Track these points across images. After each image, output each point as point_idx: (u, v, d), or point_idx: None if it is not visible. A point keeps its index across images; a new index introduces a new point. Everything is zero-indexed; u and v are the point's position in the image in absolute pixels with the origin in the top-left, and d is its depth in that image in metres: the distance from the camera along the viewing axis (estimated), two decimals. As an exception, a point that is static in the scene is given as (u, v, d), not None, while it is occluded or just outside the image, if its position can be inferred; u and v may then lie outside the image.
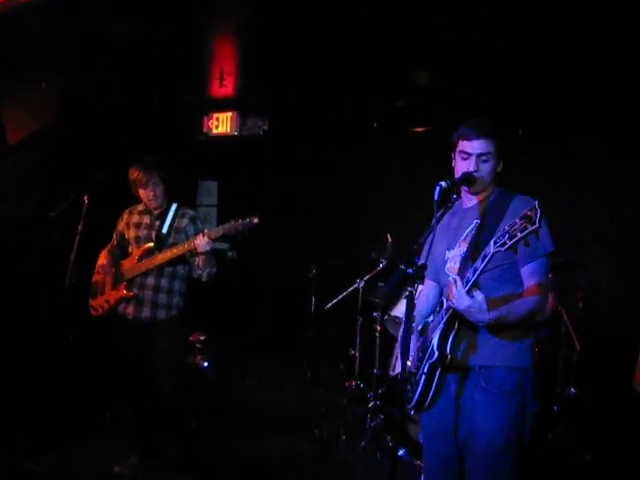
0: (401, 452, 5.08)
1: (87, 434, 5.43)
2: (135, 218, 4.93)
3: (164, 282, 4.75)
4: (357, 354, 6.19)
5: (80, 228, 4.79)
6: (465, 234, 3.26)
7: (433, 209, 3.12)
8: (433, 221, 3.08)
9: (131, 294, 4.73)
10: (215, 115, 7.69)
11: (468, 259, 3.15)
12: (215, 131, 7.71)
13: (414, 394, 3.26)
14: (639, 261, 5.80)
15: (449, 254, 3.34)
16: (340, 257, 6.76)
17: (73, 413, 5.34)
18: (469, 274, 2.96)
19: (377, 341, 5.92)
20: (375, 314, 5.96)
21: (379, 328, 5.91)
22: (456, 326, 3.13)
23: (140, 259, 4.74)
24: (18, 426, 5.39)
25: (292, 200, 7.92)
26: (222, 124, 7.67)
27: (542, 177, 6.40)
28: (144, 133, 6.78)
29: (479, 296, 2.87)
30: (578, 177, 6.25)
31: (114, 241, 5.04)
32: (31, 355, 5.83)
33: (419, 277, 3.04)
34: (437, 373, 3.19)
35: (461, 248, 3.25)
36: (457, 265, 3.24)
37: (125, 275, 4.81)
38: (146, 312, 4.73)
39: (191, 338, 6.01)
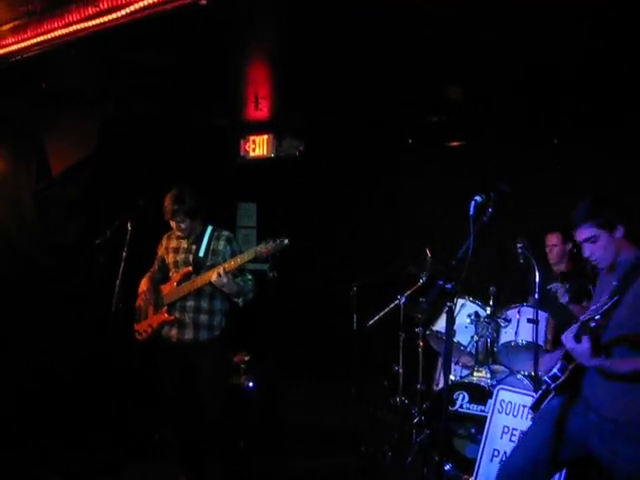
0: (447, 467, 5.07)
1: (136, 456, 5.52)
2: (173, 243, 5.01)
3: (204, 303, 4.82)
4: (400, 370, 6.19)
5: (124, 254, 4.92)
6: (606, 294, 3.37)
7: (469, 224, 3.16)
8: (470, 237, 3.14)
9: (172, 318, 4.80)
10: (252, 138, 7.80)
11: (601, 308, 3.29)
12: (252, 154, 7.81)
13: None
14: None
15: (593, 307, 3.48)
16: (380, 274, 6.78)
17: (123, 435, 5.45)
18: (592, 322, 3.16)
19: (420, 356, 5.94)
20: (417, 329, 5.98)
21: (421, 344, 5.93)
22: None
23: (179, 283, 4.82)
24: (71, 448, 5.51)
25: (331, 219, 7.98)
26: (259, 147, 7.78)
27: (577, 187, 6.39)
28: (183, 158, 6.92)
29: (585, 343, 3.13)
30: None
31: (155, 266, 5.13)
32: (80, 379, 5.96)
33: (458, 292, 3.10)
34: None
35: (603, 299, 3.36)
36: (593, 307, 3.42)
37: (165, 299, 4.88)
38: (189, 334, 4.80)
39: (235, 359, 6.07)
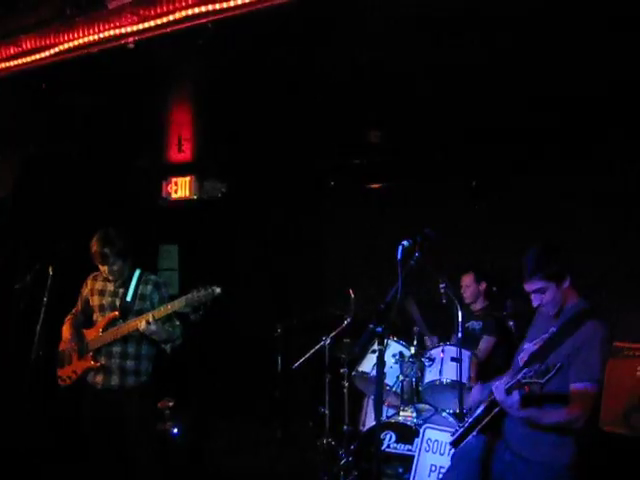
0: (377, 508, 5.06)
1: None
2: (99, 285, 4.89)
3: (131, 348, 4.72)
4: (327, 411, 6.18)
5: (45, 299, 4.79)
6: (543, 336, 3.52)
7: (397, 268, 3.24)
8: (398, 280, 3.21)
9: (98, 364, 4.69)
10: (174, 180, 7.75)
11: (533, 359, 3.45)
12: (174, 195, 7.76)
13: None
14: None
15: (527, 345, 3.62)
16: (305, 315, 6.80)
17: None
18: (520, 375, 3.27)
19: (345, 397, 5.95)
20: (342, 370, 6.00)
21: (347, 384, 5.94)
22: None
23: (105, 329, 4.71)
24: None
25: (254, 261, 7.98)
26: (181, 188, 7.73)
27: (496, 226, 6.61)
28: (105, 200, 6.81)
29: (515, 396, 3.25)
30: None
31: (78, 307, 5.01)
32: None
33: (387, 335, 3.17)
34: None
35: (535, 346, 3.52)
36: (525, 359, 3.55)
37: (90, 345, 4.76)
38: (115, 380, 4.69)
39: (159, 405, 5.96)
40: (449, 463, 4.63)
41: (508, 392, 3.28)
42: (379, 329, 3.08)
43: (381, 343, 3.11)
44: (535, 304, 3.54)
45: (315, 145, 6.86)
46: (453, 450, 3.77)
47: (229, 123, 6.17)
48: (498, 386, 3.36)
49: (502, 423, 3.50)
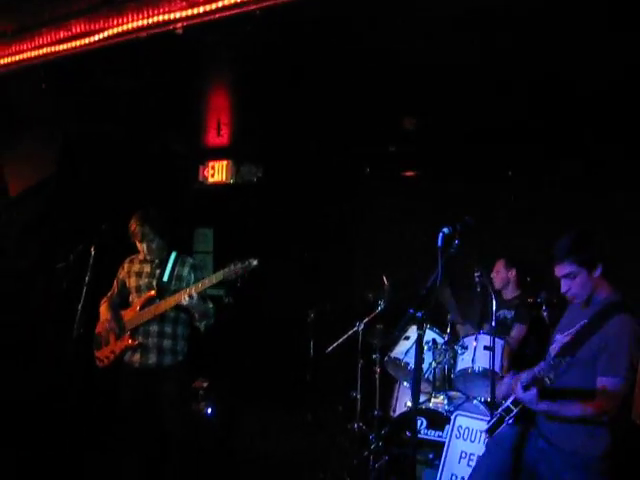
0: (407, 492, 5.13)
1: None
2: (136, 267, 5.00)
3: (168, 328, 4.81)
4: (358, 396, 6.24)
5: (87, 279, 4.89)
6: (574, 328, 3.50)
7: (436, 255, 3.28)
8: (438, 267, 3.24)
9: (136, 343, 4.79)
10: (211, 164, 7.82)
11: (564, 351, 3.45)
12: (211, 179, 7.84)
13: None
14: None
15: (558, 336, 3.62)
16: (337, 300, 6.85)
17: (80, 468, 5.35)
18: (537, 369, 3.40)
19: (377, 382, 6.01)
20: (374, 356, 6.06)
21: (379, 370, 6.00)
22: None
23: (142, 308, 4.81)
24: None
25: (287, 245, 8.03)
26: (218, 172, 7.80)
27: (532, 217, 6.59)
28: (143, 183, 6.90)
29: (532, 392, 3.30)
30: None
31: (114, 289, 5.10)
32: (36, 408, 5.83)
33: (427, 320, 3.22)
34: None
35: (566, 338, 3.51)
36: (557, 350, 3.55)
37: (128, 325, 4.86)
38: (152, 359, 4.78)
39: (194, 384, 6.05)
40: (481, 450, 4.72)
41: (526, 388, 3.33)
42: (419, 314, 3.12)
43: (421, 328, 3.15)
44: (563, 289, 3.52)
45: (351, 131, 6.87)
46: (487, 438, 3.79)
47: (266, 108, 6.20)
48: (518, 383, 3.42)
49: (535, 413, 3.52)
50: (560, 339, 3.58)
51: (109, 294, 5.11)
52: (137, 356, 4.81)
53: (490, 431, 3.68)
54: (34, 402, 5.85)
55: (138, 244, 4.84)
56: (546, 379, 3.28)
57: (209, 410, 5.96)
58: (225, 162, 7.76)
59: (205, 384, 6.11)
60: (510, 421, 3.55)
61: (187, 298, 4.50)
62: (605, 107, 5.35)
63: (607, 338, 3.31)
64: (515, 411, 3.51)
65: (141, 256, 4.98)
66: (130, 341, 4.80)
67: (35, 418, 5.71)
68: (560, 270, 3.49)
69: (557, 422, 3.40)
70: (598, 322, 3.38)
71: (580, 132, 5.95)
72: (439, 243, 3.32)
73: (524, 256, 6.26)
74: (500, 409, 3.65)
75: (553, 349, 3.62)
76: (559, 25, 3.94)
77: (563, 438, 3.39)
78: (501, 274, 6.05)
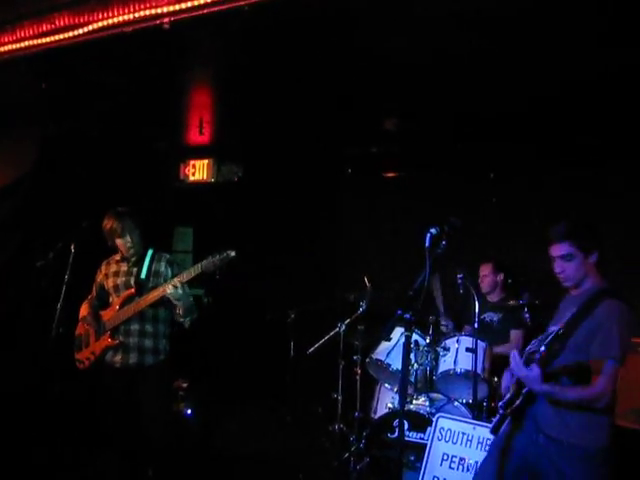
0: (385, 494, 5.12)
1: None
2: (113, 267, 4.94)
3: (148, 326, 4.76)
4: (339, 397, 6.22)
5: (67, 277, 4.81)
6: (566, 317, 3.50)
7: (425, 255, 3.26)
8: (426, 268, 3.23)
9: (116, 342, 4.72)
10: (192, 162, 7.76)
11: (556, 339, 3.43)
12: (192, 178, 7.78)
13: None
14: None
15: (551, 329, 3.60)
16: (318, 301, 6.82)
17: (59, 468, 5.27)
18: (527, 348, 3.42)
19: (358, 384, 5.98)
20: (355, 357, 6.04)
21: (359, 371, 5.98)
22: None
23: (121, 306, 4.75)
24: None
25: (268, 245, 7.99)
26: (199, 171, 7.74)
27: (512, 219, 6.62)
28: (124, 180, 6.82)
29: (535, 370, 3.29)
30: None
31: (94, 293, 5.04)
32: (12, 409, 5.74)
33: (415, 322, 3.20)
34: None
35: (557, 327, 3.49)
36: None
37: (107, 324, 4.80)
38: (133, 358, 4.72)
39: (174, 385, 5.99)
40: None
41: (527, 365, 3.34)
42: (407, 315, 3.10)
43: (408, 330, 3.13)
44: (557, 270, 3.55)
45: (333, 132, 6.86)
46: (492, 437, 3.79)
47: (248, 108, 6.17)
48: (517, 362, 3.41)
49: (533, 405, 3.51)
50: (553, 330, 3.58)
51: (89, 297, 5.04)
52: (118, 357, 4.75)
53: (494, 429, 3.67)
54: (13, 401, 5.76)
55: (117, 240, 4.78)
56: (536, 354, 3.32)
57: (189, 411, 5.91)
58: (206, 161, 7.71)
59: (185, 384, 6.06)
60: (510, 413, 3.55)
61: (171, 288, 4.44)
62: (602, 105, 5.38)
63: (598, 322, 3.33)
64: (517, 402, 3.50)
65: (117, 256, 4.94)
66: (110, 340, 4.74)
67: (13, 418, 5.62)
68: (557, 250, 3.53)
69: (556, 417, 3.39)
70: (588, 308, 3.40)
71: (570, 131, 5.99)
72: (426, 244, 3.30)
73: (505, 257, 6.28)
74: (501, 402, 3.64)
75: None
76: (551, 24, 3.95)
77: (562, 432, 3.38)
78: (489, 278, 6.06)
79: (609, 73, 4.67)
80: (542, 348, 3.35)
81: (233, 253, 4.37)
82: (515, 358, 3.45)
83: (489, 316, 5.98)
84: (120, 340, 4.73)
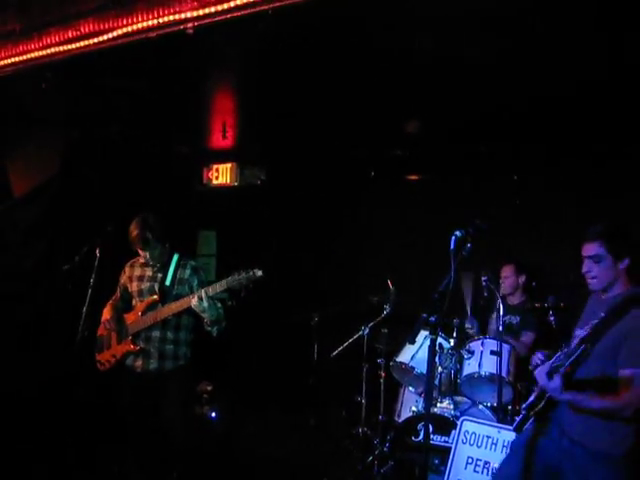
0: (413, 497, 5.10)
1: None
2: (137, 271, 4.96)
3: (170, 334, 4.79)
4: (363, 400, 6.21)
5: (92, 281, 4.85)
6: (593, 322, 3.46)
7: (450, 258, 3.25)
8: (451, 271, 3.21)
9: (138, 348, 4.76)
10: (215, 166, 7.78)
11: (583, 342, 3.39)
12: (215, 182, 7.80)
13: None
14: None
15: (578, 331, 3.59)
16: (341, 304, 6.81)
17: (81, 467, 5.31)
18: (554, 358, 3.41)
19: (382, 387, 5.97)
20: (379, 360, 6.03)
21: (383, 374, 5.97)
22: None
23: (144, 313, 4.77)
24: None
25: (291, 248, 8.01)
26: (222, 175, 7.75)
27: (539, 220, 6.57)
28: (148, 184, 6.87)
29: (557, 380, 3.25)
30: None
31: (117, 294, 5.07)
32: (42, 408, 5.79)
33: (441, 325, 3.19)
34: None
35: (585, 332, 3.46)
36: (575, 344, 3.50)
37: (130, 329, 4.83)
38: (154, 364, 4.76)
39: (198, 388, 6.01)
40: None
41: (550, 377, 3.30)
42: (432, 318, 3.10)
43: (434, 333, 3.12)
44: (584, 270, 3.54)
45: (356, 135, 6.85)
46: (515, 436, 3.78)
47: (271, 112, 6.18)
48: (539, 371, 3.39)
49: (556, 408, 3.48)
50: (580, 334, 3.55)
51: (113, 299, 5.08)
52: (139, 361, 4.79)
53: (517, 428, 3.65)
54: (38, 403, 5.82)
55: (140, 251, 4.80)
56: (561, 368, 3.28)
57: (213, 414, 5.93)
58: (229, 165, 7.72)
59: (209, 388, 6.08)
60: (533, 414, 3.53)
61: (197, 300, 4.44)
62: (613, 106, 5.33)
63: (625, 331, 3.29)
64: (540, 406, 3.48)
65: (142, 260, 4.94)
66: (132, 346, 4.78)
67: (38, 420, 5.67)
68: (587, 250, 3.52)
69: (581, 421, 3.37)
70: (616, 315, 3.36)
71: (588, 132, 5.93)
72: (452, 246, 3.29)
73: (529, 260, 6.23)
74: (524, 404, 3.63)
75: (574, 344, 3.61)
76: (563, 24, 3.91)
77: (587, 436, 3.37)
78: (510, 279, 6.01)
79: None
80: (567, 363, 3.30)
81: (260, 272, 4.31)
82: (538, 369, 3.45)
83: (509, 319, 5.94)
84: (141, 346, 4.77)
